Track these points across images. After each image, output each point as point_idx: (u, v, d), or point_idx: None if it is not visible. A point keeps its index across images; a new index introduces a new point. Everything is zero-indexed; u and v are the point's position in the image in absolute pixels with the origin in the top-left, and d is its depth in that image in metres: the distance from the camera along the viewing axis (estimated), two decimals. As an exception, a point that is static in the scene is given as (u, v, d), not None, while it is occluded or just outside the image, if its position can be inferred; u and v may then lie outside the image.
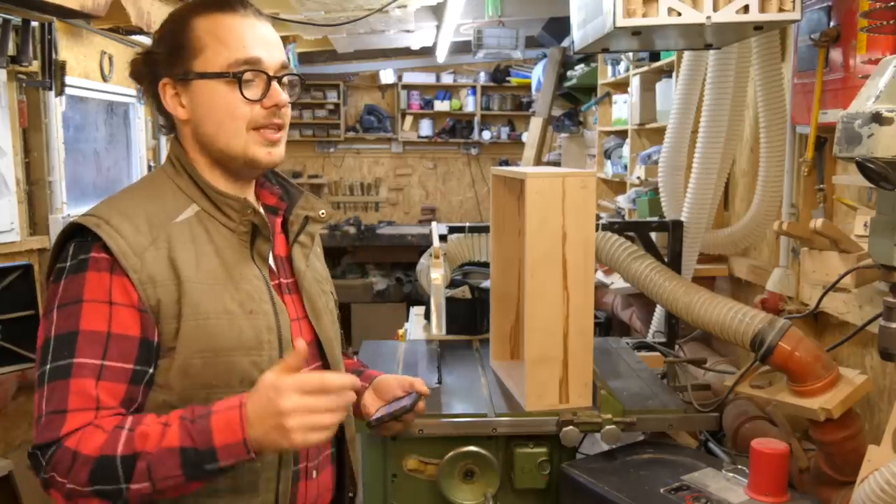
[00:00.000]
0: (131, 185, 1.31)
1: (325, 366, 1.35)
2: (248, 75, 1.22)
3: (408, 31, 5.77)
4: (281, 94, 1.25)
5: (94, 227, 1.14)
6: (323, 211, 1.37)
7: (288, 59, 1.31)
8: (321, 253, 1.49)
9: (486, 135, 8.30)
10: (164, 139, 5.08)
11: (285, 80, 1.27)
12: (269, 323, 1.23)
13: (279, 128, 1.26)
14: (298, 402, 1.04)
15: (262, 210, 1.34)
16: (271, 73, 1.24)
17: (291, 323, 1.27)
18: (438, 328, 2.56)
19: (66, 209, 3.60)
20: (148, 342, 1.15)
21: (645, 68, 4.05)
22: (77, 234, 1.17)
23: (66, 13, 3.03)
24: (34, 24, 3.30)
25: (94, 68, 4.10)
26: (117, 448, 1.06)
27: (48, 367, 1.10)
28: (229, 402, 1.09)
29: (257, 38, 1.24)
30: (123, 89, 4.52)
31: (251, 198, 1.33)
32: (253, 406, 1.07)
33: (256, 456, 1.07)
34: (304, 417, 1.05)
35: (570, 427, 1.93)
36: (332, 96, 8.10)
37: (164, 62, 1.24)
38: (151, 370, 1.16)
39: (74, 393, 1.09)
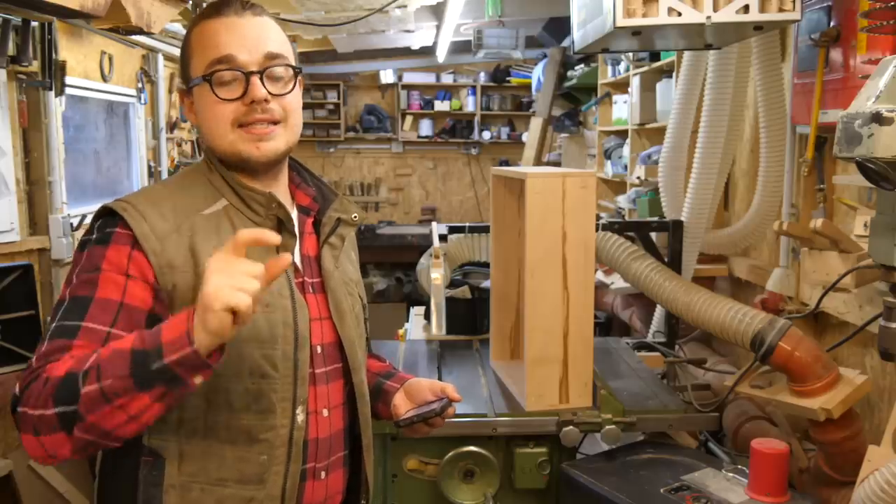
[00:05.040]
0: (167, 179, 1.36)
1: (346, 367, 1.34)
2: (222, 75, 1.23)
3: (408, 31, 5.77)
4: (259, 89, 1.23)
5: (120, 211, 1.20)
6: (356, 215, 1.39)
7: (276, 50, 1.27)
8: (356, 258, 1.50)
9: (486, 135, 8.30)
10: (164, 139, 5.09)
11: (271, 72, 1.25)
12: (285, 318, 1.24)
13: (269, 122, 1.26)
14: (217, 280, 0.98)
15: (294, 210, 1.36)
16: (250, 69, 1.23)
17: (313, 322, 1.29)
18: (438, 328, 2.57)
19: (66, 209, 3.60)
20: (157, 318, 1.17)
21: (645, 68, 4.05)
22: (106, 215, 1.23)
23: (66, 13, 3.02)
24: (34, 24, 3.30)
25: (94, 68, 4.10)
26: (84, 365, 1.05)
27: (55, 324, 1.14)
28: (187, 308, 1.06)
29: (232, 37, 1.24)
30: (123, 89, 4.52)
31: (283, 195, 1.34)
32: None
33: (199, 350, 1.00)
34: (221, 293, 0.98)
35: (570, 427, 1.94)
36: (332, 96, 8.11)
37: (179, 73, 1.34)
38: None
39: (73, 350, 1.10)
